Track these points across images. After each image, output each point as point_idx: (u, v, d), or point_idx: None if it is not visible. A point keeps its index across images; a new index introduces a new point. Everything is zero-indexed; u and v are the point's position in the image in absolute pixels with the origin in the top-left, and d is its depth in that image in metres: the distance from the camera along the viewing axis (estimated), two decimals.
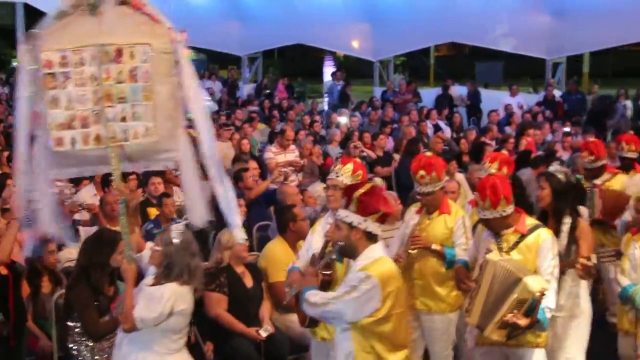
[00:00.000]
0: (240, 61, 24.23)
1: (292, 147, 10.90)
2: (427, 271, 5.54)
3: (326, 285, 4.65)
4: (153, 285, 4.55)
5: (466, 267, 5.12)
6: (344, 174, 5.06)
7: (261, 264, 6.54)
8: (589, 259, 4.90)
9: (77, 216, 7.43)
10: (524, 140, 11.10)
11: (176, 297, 4.46)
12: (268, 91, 21.57)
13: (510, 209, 4.66)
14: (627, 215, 6.09)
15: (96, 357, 5.22)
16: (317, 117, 15.19)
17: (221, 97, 19.89)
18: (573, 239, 5.21)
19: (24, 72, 4.82)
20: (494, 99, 17.41)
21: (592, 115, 15.50)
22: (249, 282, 6.25)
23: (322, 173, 10.66)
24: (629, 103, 16.04)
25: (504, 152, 10.11)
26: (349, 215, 4.04)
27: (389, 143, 12.73)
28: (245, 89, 22.32)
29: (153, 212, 8.04)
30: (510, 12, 17.09)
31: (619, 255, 5.02)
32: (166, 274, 4.53)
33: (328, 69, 23.40)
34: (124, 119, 4.88)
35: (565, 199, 5.30)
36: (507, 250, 4.70)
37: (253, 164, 9.84)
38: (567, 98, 17.01)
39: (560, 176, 5.34)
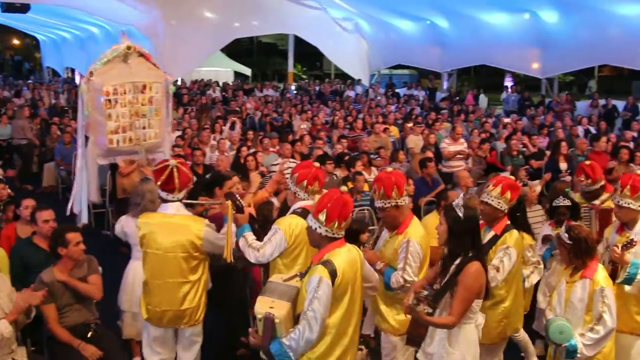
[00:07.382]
0: (440, 75, 23.87)
1: (462, 140, 10.62)
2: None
3: None
4: None
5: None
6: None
7: None
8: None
9: None
10: None
11: None
12: (457, 98, 21.08)
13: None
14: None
15: None
16: (488, 120, 14.56)
17: (423, 101, 19.76)
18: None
19: (82, 97, 5.84)
20: None
21: None
22: None
23: (487, 164, 10.38)
24: None
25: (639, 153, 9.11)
26: None
27: (544, 142, 12.05)
28: (442, 97, 21.95)
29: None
30: None
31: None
32: None
33: (508, 83, 22.36)
34: (144, 127, 6.12)
35: (461, 239, 3.43)
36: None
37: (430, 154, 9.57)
38: None
39: (459, 212, 3.44)
